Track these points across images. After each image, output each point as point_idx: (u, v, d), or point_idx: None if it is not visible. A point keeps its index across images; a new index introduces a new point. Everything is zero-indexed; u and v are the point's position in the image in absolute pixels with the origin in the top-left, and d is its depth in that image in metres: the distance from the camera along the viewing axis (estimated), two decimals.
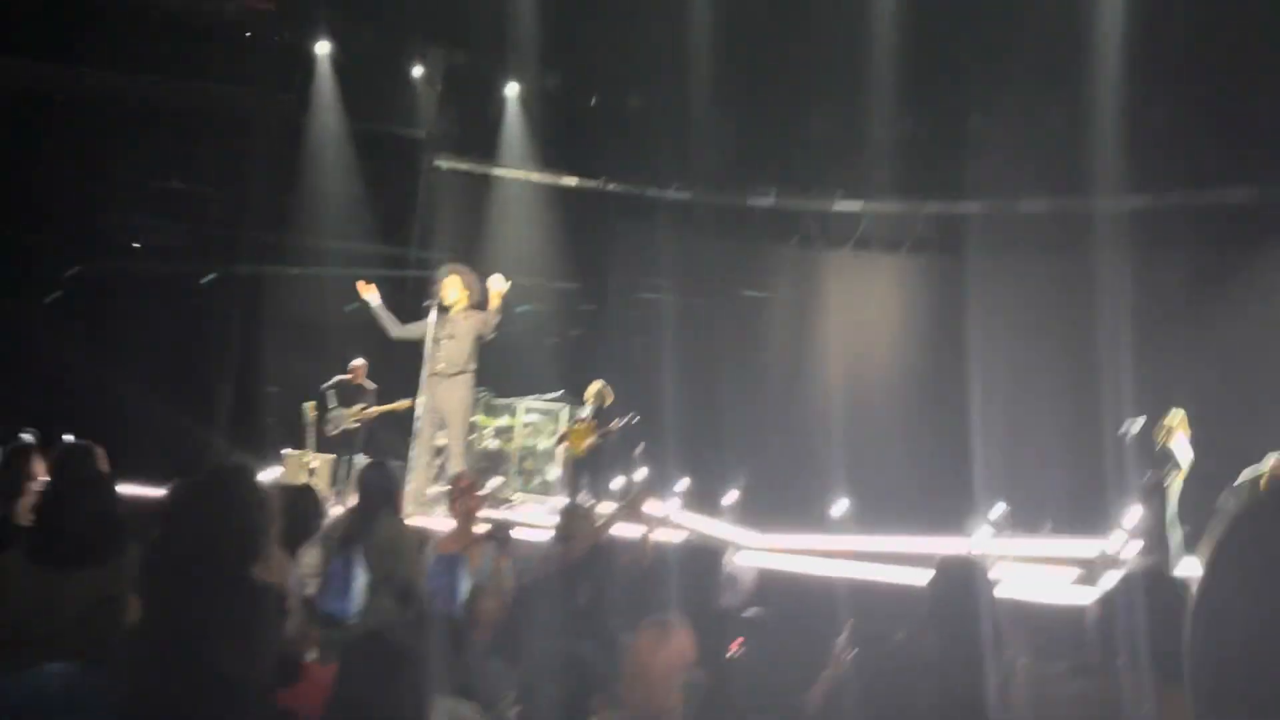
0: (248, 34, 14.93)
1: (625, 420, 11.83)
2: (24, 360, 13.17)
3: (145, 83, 14.64)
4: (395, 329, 9.54)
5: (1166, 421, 10.22)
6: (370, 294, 9.46)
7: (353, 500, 6.05)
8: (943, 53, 13.65)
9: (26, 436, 11.17)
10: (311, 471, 11.90)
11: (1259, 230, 13.28)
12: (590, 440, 11.88)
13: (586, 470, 12.19)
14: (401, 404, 10.91)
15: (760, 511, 11.79)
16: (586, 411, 12.11)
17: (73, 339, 13.36)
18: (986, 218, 14.65)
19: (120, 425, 11.67)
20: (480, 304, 9.40)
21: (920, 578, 4.20)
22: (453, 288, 9.26)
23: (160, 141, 14.74)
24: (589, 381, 12.22)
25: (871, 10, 12.99)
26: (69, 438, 8.85)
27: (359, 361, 12.35)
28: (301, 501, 5.44)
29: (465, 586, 5.41)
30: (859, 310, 15.48)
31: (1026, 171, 13.99)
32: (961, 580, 3.80)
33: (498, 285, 9.35)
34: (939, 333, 14.89)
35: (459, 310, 9.24)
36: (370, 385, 12.32)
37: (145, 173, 14.97)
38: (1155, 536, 10.25)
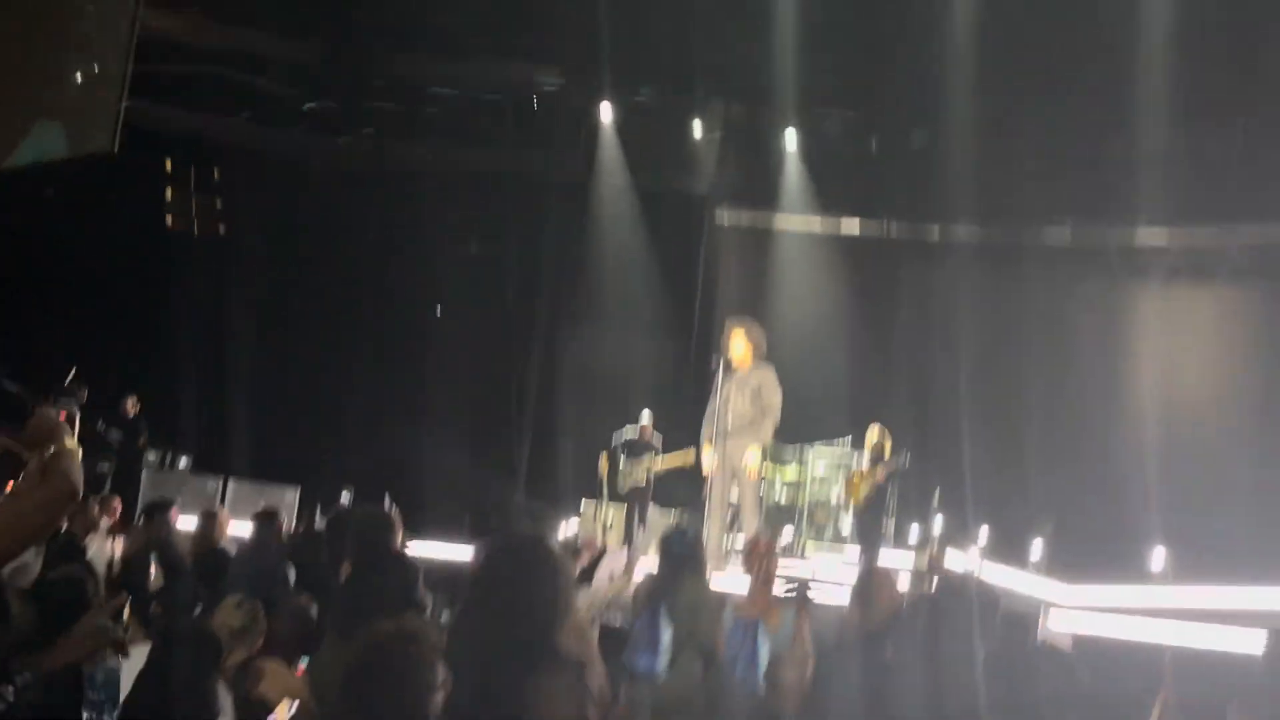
0: (534, 100, 15.60)
1: (896, 464, 11.49)
2: (337, 418, 14.10)
3: (440, 153, 15.51)
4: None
5: None
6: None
7: (655, 559, 6.10)
8: (1242, 61, 12.74)
9: (346, 495, 11.97)
10: (607, 525, 12.16)
11: None
12: (867, 489, 11.57)
13: (875, 519, 11.89)
14: (688, 456, 10.99)
15: (1070, 562, 11.16)
16: (866, 459, 11.86)
17: (387, 399, 14.22)
18: None
19: (428, 482, 12.35)
20: (764, 359, 9.36)
21: (1254, 639, 3.82)
22: (739, 341, 9.25)
23: (456, 208, 15.54)
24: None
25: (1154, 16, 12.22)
26: (388, 500, 9.39)
27: (647, 420, 12.55)
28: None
29: (765, 653, 5.33)
30: (1170, 346, 14.47)
31: None
32: None
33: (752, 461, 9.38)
34: (1263, 365, 13.79)
35: (746, 368, 9.21)
36: (657, 440, 12.49)
37: (445, 238, 15.80)
38: None
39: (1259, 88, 13.03)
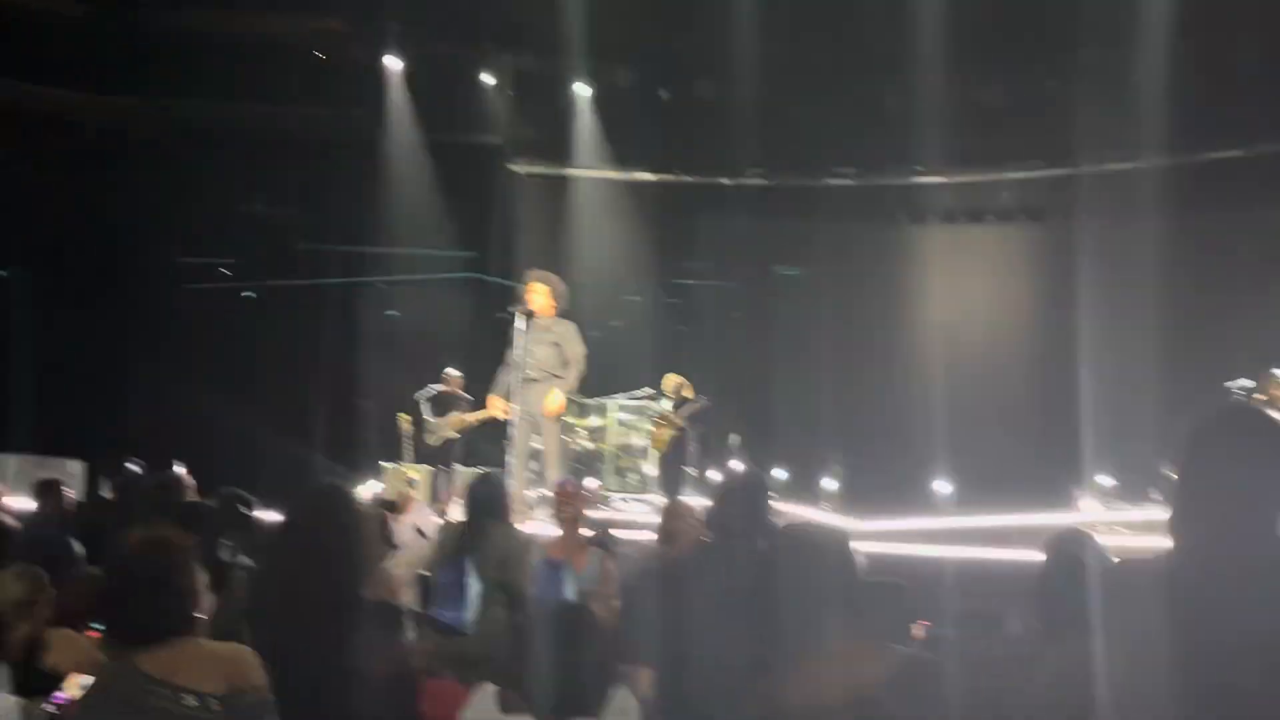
0: (317, 54, 15.13)
1: (696, 408, 11.79)
2: (119, 387, 13.50)
3: (221, 109, 14.91)
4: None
5: (1273, 377, 9.96)
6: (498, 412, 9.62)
7: (459, 512, 6.08)
8: (1014, 16, 13.39)
9: (133, 467, 11.47)
10: (411, 483, 12.00)
11: None
12: (669, 433, 11.86)
13: (677, 464, 12.17)
14: (498, 409, 10.95)
15: (861, 497, 11.64)
16: (666, 406, 12.11)
17: (167, 365, 13.67)
18: (1076, 182, 14.33)
19: (216, 447, 11.95)
20: (564, 313, 9.40)
21: (1030, 557, 4.06)
22: (539, 294, 9.25)
23: (241, 166, 14.99)
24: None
25: None
26: (179, 467, 9.06)
27: (454, 372, 12.43)
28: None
29: (572, 593, 5.40)
30: (951, 285, 15.21)
31: (1113, 132, 13.64)
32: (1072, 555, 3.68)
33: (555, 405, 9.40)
34: (1033, 302, 14.64)
35: (546, 317, 9.23)
36: (466, 396, 12.40)
37: (229, 198, 15.25)
38: None
39: (1023, 39, 13.73)
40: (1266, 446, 2.07)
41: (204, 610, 2.96)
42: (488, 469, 11.44)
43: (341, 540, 3.46)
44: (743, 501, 4.23)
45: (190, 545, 3.02)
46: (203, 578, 2.98)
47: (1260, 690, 1.85)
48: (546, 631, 3.48)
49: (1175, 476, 2.15)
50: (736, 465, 12.17)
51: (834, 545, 3.58)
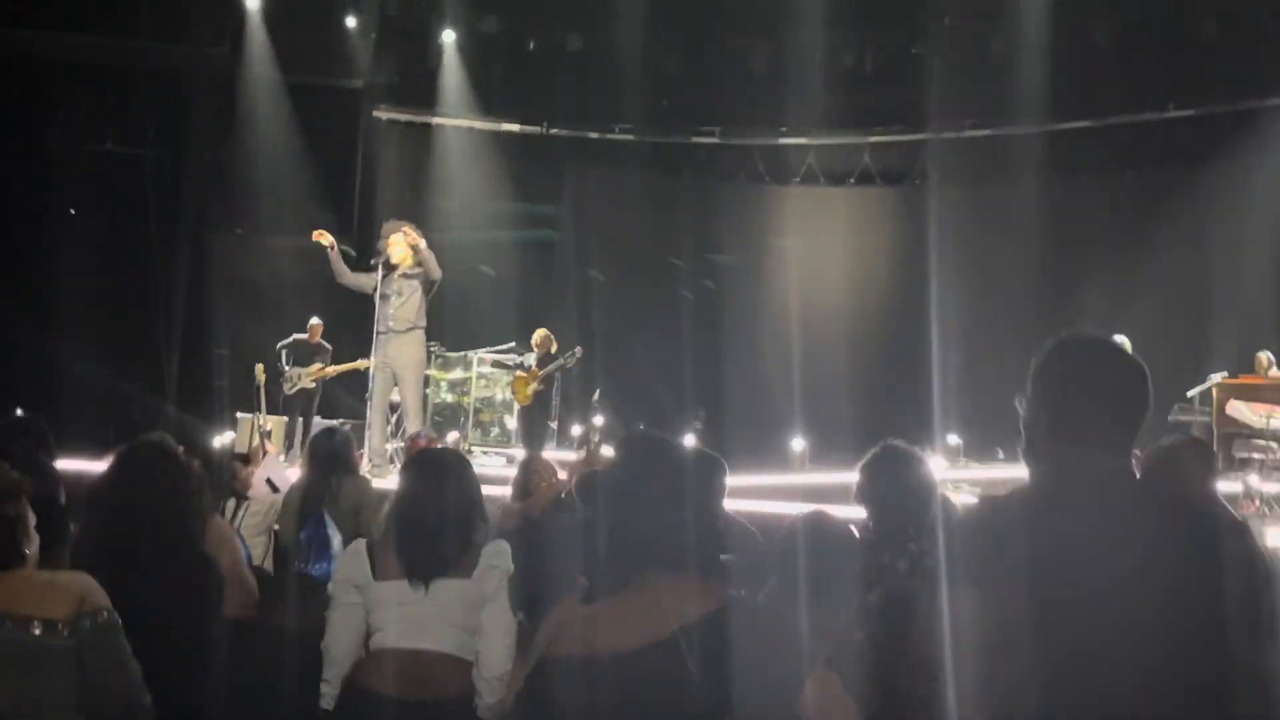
0: None
1: (560, 362, 11.86)
2: None
3: (72, 41, 14.25)
4: (344, 276, 9.39)
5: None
6: (325, 239, 9.30)
7: (306, 466, 5.98)
8: None
9: None
10: (266, 434, 11.77)
11: (1201, 148, 13.36)
12: (534, 386, 11.91)
13: (538, 418, 12.20)
14: (360, 363, 10.79)
15: (720, 453, 11.78)
16: (532, 360, 12.12)
17: (12, 305, 13.09)
18: (931, 147, 14.64)
19: (67, 396, 11.53)
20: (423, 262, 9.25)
21: None
22: (398, 245, 9.08)
23: (92, 102, 14.39)
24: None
25: None
26: (18, 411, 8.72)
27: (316, 321, 12.23)
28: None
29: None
30: (809, 245, 15.47)
31: (969, 99, 13.97)
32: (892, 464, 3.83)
33: (415, 236, 9.19)
34: (890, 265, 14.95)
35: (406, 267, 9.09)
36: (327, 345, 12.20)
37: (79, 135, 14.63)
38: None
39: (888, 3, 13.94)
40: (1107, 366, 2.12)
41: (32, 548, 2.90)
42: (338, 422, 11.35)
43: (162, 496, 3.42)
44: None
45: (20, 480, 2.94)
46: (30, 514, 2.91)
47: (1126, 619, 1.90)
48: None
49: (1023, 407, 2.18)
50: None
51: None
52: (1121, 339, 10.33)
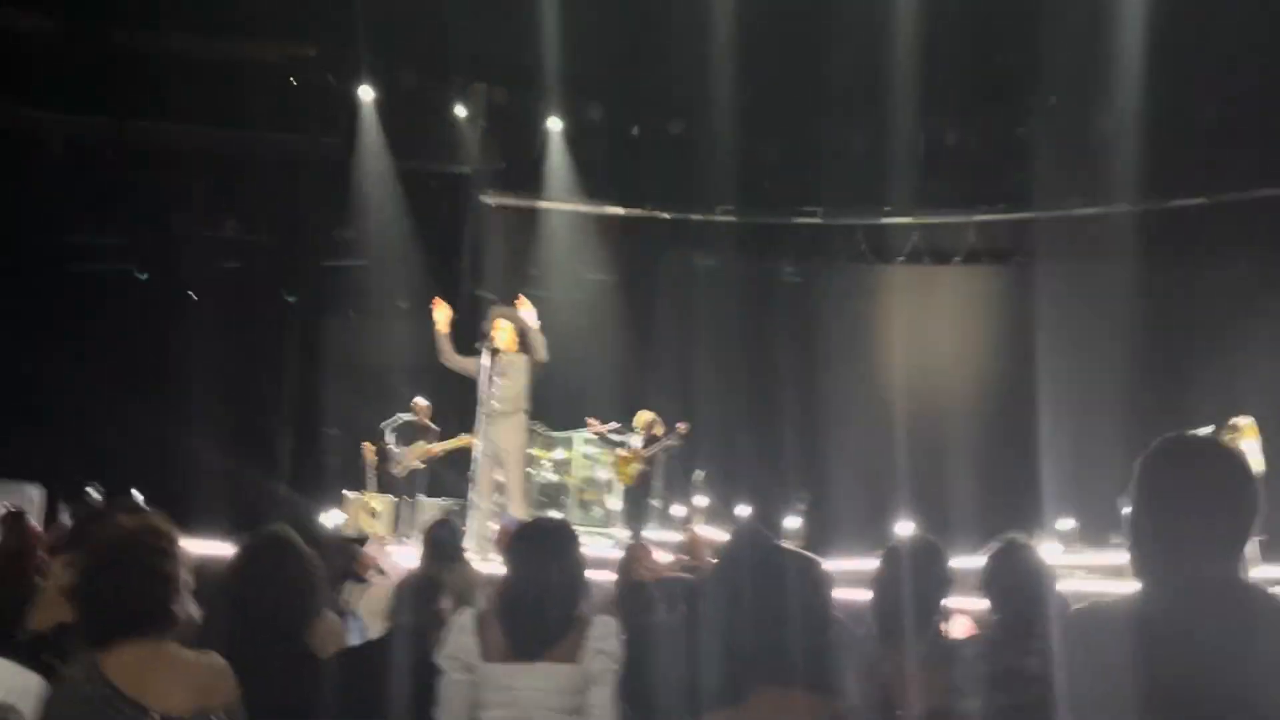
0: (291, 79, 15.09)
1: (664, 442, 11.84)
2: (79, 410, 13.33)
3: (194, 132, 14.81)
4: (449, 358, 9.55)
5: (1235, 426, 10.08)
6: (441, 313, 9.50)
7: (421, 552, 6.10)
8: (982, 61, 13.57)
9: (92, 491, 11.36)
10: (374, 514, 11.95)
11: None
12: (637, 467, 11.91)
13: (641, 499, 12.20)
14: (465, 440, 10.92)
15: (822, 537, 11.65)
16: (636, 441, 12.15)
17: (132, 390, 13.51)
18: (1041, 226, 14.50)
19: (184, 476, 11.85)
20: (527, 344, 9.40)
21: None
22: (503, 330, 9.26)
23: (212, 191, 14.92)
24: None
25: (900, 21, 12.88)
26: (137, 494, 8.98)
27: (423, 402, 12.41)
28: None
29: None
30: (916, 325, 15.31)
31: (1078, 177, 13.82)
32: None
33: (529, 312, 9.33)
34: (997, 344, 14.74)
35: (511, 353, 9.23)
36: (433, 426, 12.37)
37: (199, 222, 15.14)
38: None
39: (991, 82, 13.90)
40: (1212, 473, 2.07)
41: (185, 609, 2.87)
42: (448, 502, 11.48)
43: (283, 592, 3.48)
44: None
45: (176, 536, 2.94)
46: (187, 575, 2.90)
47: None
48: None
49: (1129, 513, 2.14)
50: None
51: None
52: (1248, 420, 10.08)
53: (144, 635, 2.76)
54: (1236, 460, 2.11)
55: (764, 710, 2.41)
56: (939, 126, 14.31)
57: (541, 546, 3.61)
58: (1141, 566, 2.10)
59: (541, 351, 9.21)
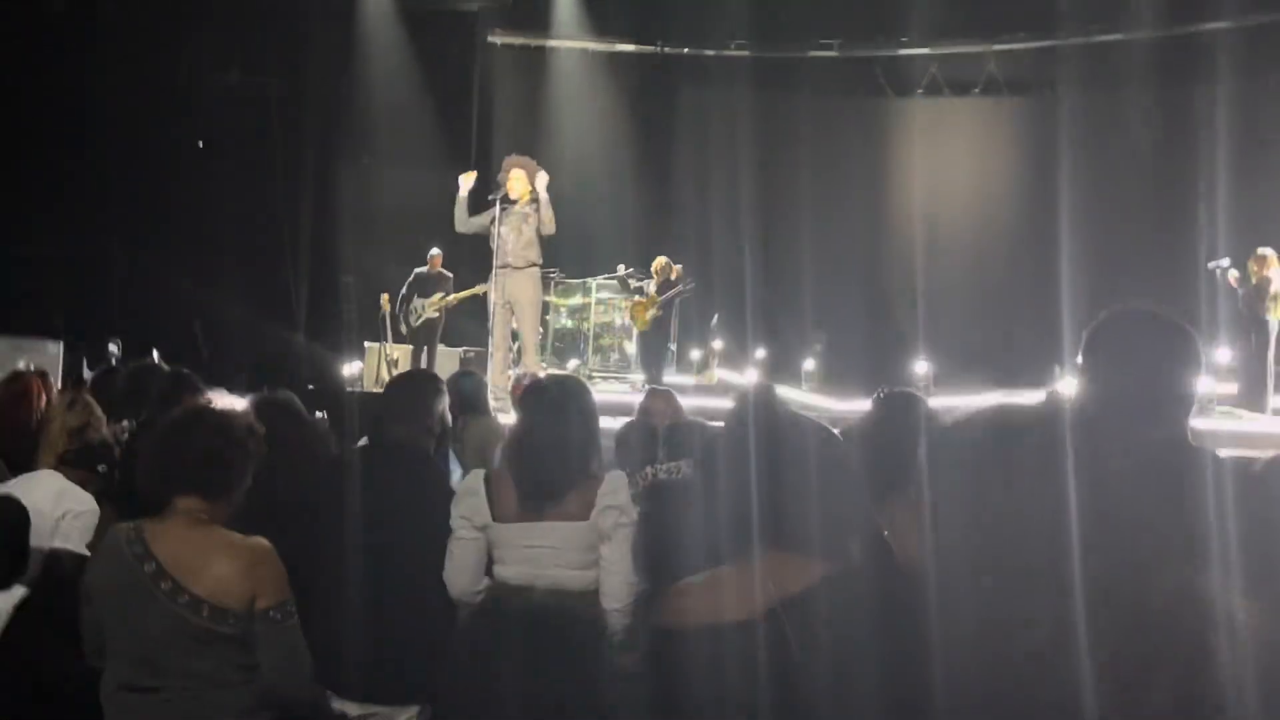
0: None
1: (679, 289, 11.79)
2: (94, 266, 13.35)
3: None
4: (462, 223, 9.48)
5: (1263, 257, 10.04)
6: (467, 182, 9.41)
7: None
8: None
9: (113, 347, 11.46)
10: (393, 363, 12.05)
11: None
12: (652, 312, 11.89)
13: (657, 344, 12.22)
14: (480, 288, 10.92)
15: (840, 377, 11.69)
16: (651, 286, 12.11)
17: (142, 242, 13.51)
18: (1062, 54, 14.10)
19: (198, 328, 11.93)
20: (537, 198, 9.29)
21: None
22: (517, 180, 9.14)
23: (212, 34, 14.62)
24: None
25: None
26: (155, 353, 9.06)
27: (436, 252, 12.37)
28: None
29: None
30: (934, 160, 15.05)
31: (1096, 3, 13.39)
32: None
33: (541, 181, 9.21)
34: (1018, 177, 14.50)
35: (524, 203, 9.14)
36: (447, 274, 12.36)
37: (202, 67, 14.89)
38: (1255, 373, 10.13)
39: None
40: (1161, 343, 2.15)
41: (238, 495, 2.91)
42: (465, 352, 11.54)
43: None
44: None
45: (259, 433, 2.99)
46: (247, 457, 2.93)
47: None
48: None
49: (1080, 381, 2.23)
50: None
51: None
52: (1271, 251, 9.99)
53: (195, 501, 2.79)
54: (1183, 332, 2.17)
55: (768, 571, 2.44)
56: None
57: (551, 401, 3.59)
58: (1084, 430, 2.13)
59: (550, 225, 9.12)
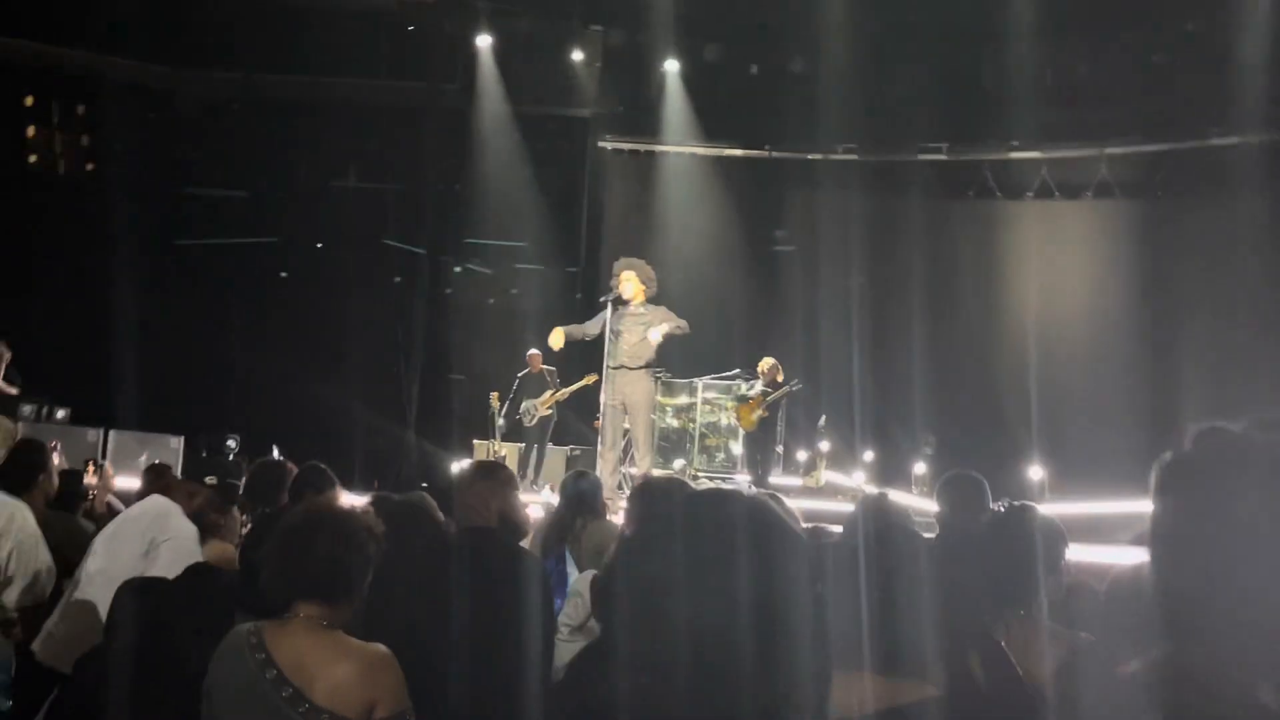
0: (410, 28, 15.23)
1: (786, 389, 11.76)
2: (216, 364, 13.75)
3: (314, 83, 15.06)
4: (575, 338, 9.63)
5: None
6: (557, 340, 9.57)
7: (557, 503, 6.16)
8: None
9: (231, 443, 11.75)
10: (501, 460, 12.17)
11: None
12: (759, 413, 11.85)
13: (764, 444, 12.16)
14: (590, 378, 11.01)
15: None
16: (757, 387, 12.10)
17: (262, 342, 13.90)
18: (1172, 157, 13.96)
19: (311, 426, 12.19)
20: (655, 298, 9.38)
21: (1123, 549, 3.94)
22: (629, 281, 9.26)
23: (333, 140, 15.17)
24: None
25: None
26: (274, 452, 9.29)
27: (534, 351, 12.52)
28: None
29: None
30: (1043, 262, 14.89)
31: (1211, 107, 13.25)
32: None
33: (647, 282, 9.32)
34: (1130, 281, 14.27)
35: (637, 303, 9.25)
36: (550, 369, 12.50)
37: (323, 172, 15.43)
38: None
39: (1122, 9, 13.37)
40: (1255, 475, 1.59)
41: (359, 593, 2.88)
42: (574, 449, 11.58)
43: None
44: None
45: (379, 534, 2.97)
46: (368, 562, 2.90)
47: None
48: None
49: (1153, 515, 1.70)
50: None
51: None
52: None
53: (315, 607, 2.78)
54: None
55: (846, 691, 2.40)
56: (1067, 54, 13.81)
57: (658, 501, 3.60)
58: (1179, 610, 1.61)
59: (679, 325, 9.26)
